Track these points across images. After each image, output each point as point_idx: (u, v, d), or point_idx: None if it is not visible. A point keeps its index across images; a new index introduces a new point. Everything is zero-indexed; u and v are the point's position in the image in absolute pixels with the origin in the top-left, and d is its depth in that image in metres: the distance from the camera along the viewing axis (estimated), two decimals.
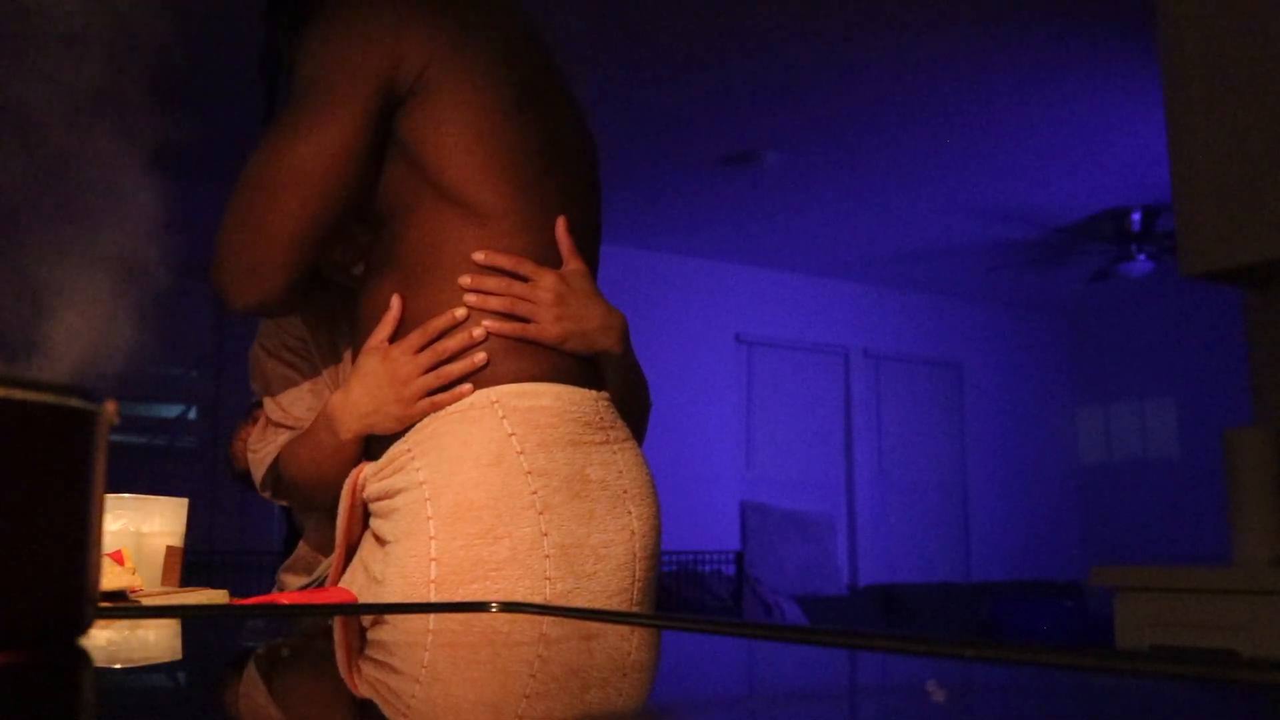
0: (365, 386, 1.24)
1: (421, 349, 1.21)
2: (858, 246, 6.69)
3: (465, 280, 1.21)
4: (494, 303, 1.21)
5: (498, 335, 1.21)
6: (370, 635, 0.79)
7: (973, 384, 7.94)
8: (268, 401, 1.46)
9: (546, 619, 0.84)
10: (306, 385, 1.45)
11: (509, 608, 0.88)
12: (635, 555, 1.23)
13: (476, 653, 0.68)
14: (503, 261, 1.21)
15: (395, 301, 1.23)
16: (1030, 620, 6.80)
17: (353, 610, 0.96)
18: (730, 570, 6.14)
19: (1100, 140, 5.02)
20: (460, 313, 1.21)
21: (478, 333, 1.21)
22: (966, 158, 5.26)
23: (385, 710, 0.48)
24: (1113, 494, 7.97)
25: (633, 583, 1.22)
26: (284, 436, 1.41)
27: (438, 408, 1.21)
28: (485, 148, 1.21)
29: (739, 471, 6.93)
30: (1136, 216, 5.94)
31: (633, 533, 1.23)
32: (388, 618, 0.89)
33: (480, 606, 0.89)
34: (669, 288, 6.71)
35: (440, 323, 1.21)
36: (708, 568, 6.11)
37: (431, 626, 0.82)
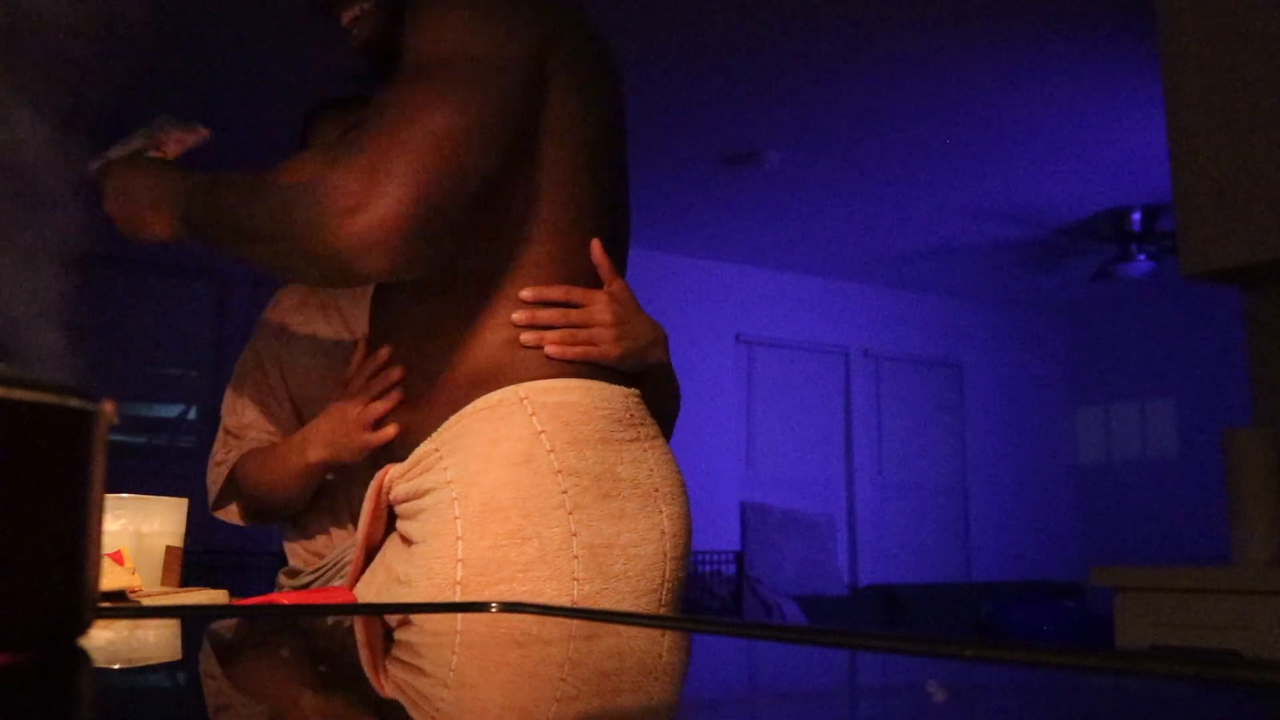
0: (329, 420, 1.40)
1: (364, 386, 1.31)
2: (858, 246, 6.69)
3: (519, 317, 1.18)
4: (551, 336, 1.19)
5: (562, 360, 1.19)
6: (377, 637, 0.79)
7: (973, 384, 7.94)
8: (232, 411, 1.65)
9: (550, 620, 0.84)
10: (264, 397, 1.64)
11: (509, 608, 0.88)
12: (666, 555, 1.21)
13: (485, 653, 0.68)
14: (554, 294, 1.19)
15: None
16: (1030, 620, 6.79)
17: (352, 610, 0.96)
18: (730, 570, 6.14)
19: (1100, 140, 5.02)
20: (384, 354, 1.27)
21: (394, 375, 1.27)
22: (966, 158, 5.26)
23: (384, 711, 0.48)
24: (1113, 494, 7.97)
25: (663, 583, 1.20)
26: (234, 453, 1.59)
27: (373, 445, 1.31)
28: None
29: (739, 471, 6.93)
30: (1136, 216, 5.94)
31: (664, 532, 1.21)
32: (393, 618, 0.89)
33: (480, 607, 0.89)
34: (669, 288, 6.71)
35: (378, 359, 1.28)
36: (708, 568, 6.11)
37: (435, 627, 0.82)
